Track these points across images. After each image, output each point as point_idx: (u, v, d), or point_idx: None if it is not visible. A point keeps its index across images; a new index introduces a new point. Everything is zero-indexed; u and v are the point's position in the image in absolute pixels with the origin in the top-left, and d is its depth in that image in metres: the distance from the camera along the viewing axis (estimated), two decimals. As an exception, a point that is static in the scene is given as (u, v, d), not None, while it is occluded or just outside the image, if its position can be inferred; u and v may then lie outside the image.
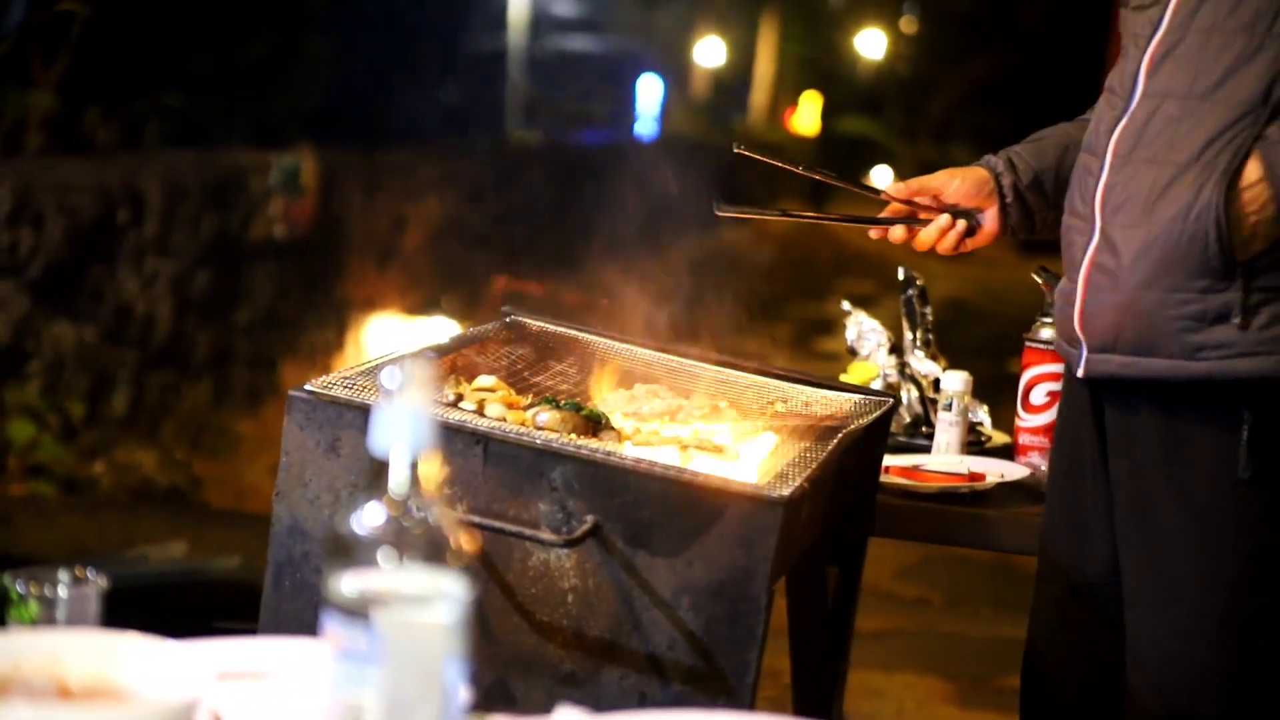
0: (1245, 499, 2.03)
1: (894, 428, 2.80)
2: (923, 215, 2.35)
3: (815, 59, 23.34)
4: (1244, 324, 1.99)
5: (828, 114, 23.62)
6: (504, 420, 1.93)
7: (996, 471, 2.58)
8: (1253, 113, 1.98)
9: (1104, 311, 2.08)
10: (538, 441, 1.81)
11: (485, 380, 2.09)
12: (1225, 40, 2.01)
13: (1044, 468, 2.57)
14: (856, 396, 2.33)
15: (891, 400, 2.36)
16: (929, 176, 2.37)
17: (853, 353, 3.04)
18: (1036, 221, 2.35)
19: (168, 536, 5.27)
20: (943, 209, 2.34)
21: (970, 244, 2.36)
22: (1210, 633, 2.06)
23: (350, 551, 1.17)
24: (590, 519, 1.77)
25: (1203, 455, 2.04)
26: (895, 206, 2.38)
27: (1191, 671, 2.08)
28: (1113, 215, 2.07)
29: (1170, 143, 2.03)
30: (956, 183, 2.34)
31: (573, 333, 2.43)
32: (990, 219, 2.34)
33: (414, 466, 1.19)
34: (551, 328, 2.44)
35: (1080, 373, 2.13)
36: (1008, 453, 2.75)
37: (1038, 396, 2.66)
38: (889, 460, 2.53)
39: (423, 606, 1.15)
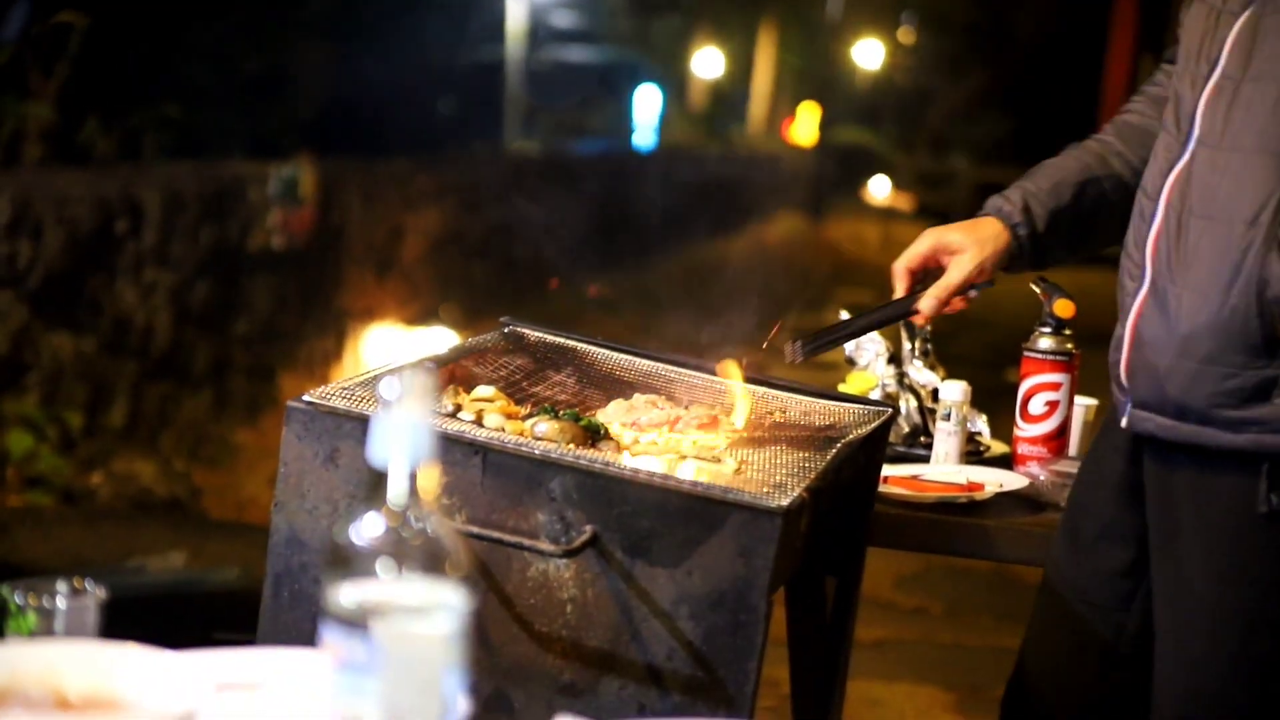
0: (1265, 532, 2.00)
1: (892, 437, 2.80)
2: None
3: (813, 70, 23.37)
4: None
5: (825, 124, 23.66)
6: (502, 430, 1.93)
7: (995, 481, 2.58)
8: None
9: (1148, 372, 2.03)
10: (536, 452, 1.81)
11: (484, 390, 2.09)
12: (1262, 90, 1.93)
13: (1043, 477, 2.57)
14: (855, 406, 2.33)
15: (890, 410, 2.36)
16: (939, 251, 2.23)
17: (851, 363, 3.04)
18: (1049, 262, 2.28)
19: (166, 547, 5.26)
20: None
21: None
22: (1225, 664, 2.04)
23: (349, 562, 1.17)
24: (589, 529, 1.77)
25: (1225, 489, 2.02)
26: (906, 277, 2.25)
27: (1210, 701, 2.06)
28: (1163, 268, 2.00)
29: (1218, 199, 1.95)
30: (978, 256, 2.21)
31: (571, 342, 2.43)
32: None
33: (412, 477, 1.19)
34: (550, 338, 2.43)
35: (1124, 423, 2.09)
36: (1006, 462, 2.75)
37: (1036, 406, 2.66)
38: (887, 470, 2.52)
39: (421, 617, 1.15)
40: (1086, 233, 2.27)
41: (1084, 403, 2.75)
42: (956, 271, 2.19)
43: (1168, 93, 2.18)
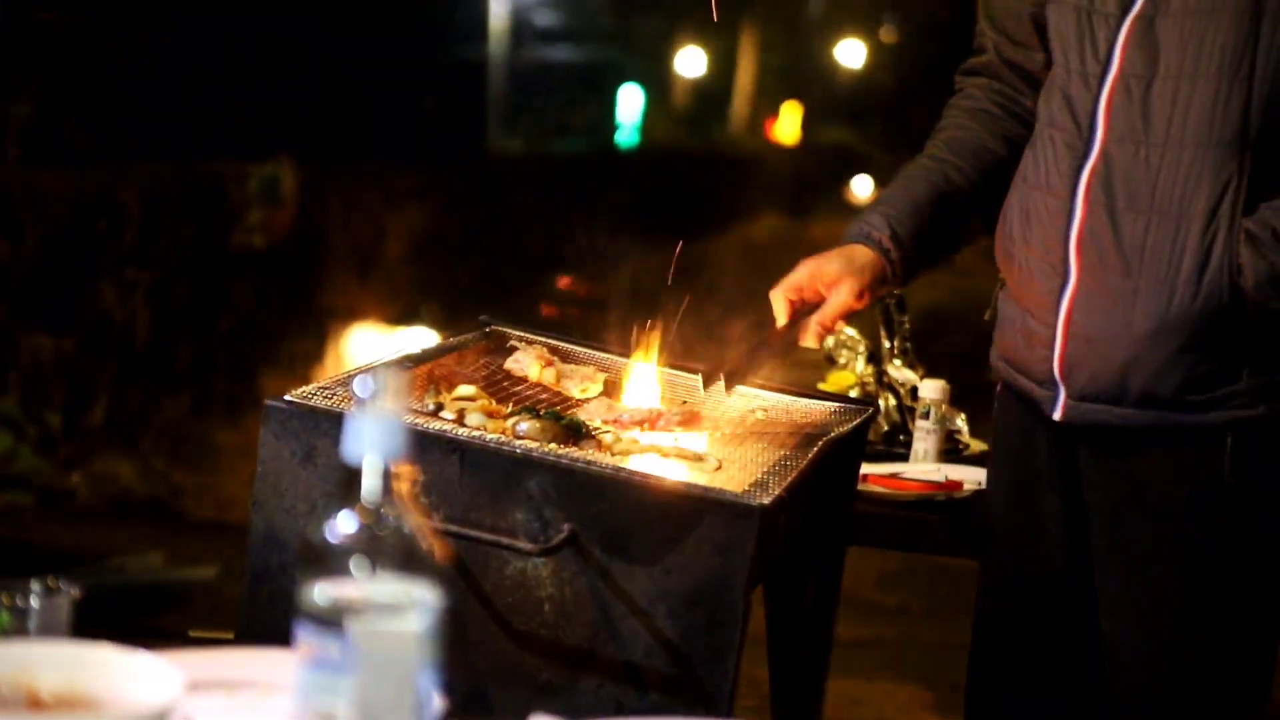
0: (1228, 503, 2.03)
1: (872, 436, 2.80)
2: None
3: (796, 69, 23.39)
4: (1253, 377, 1.98)
5: (808, 123, 23.67)
6: (483, 429, 1.92)
7: (974, 479, 2.59)
8: (1236, 159, 1.95)
9: (1099, 366, 2.03)
10: (515, 450, 1.81)
11: (465, 389, 2.08)
12: (1195, 87, 1.96)
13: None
14: (835, 405, 2.33)
15: (870, 409, 2.36)
16: (815, 280, 2.20)
17: (831, 361, 3.04)
18: (908, 280, 2.29)
19: (146, 547, 5.25)
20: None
21: None
22: (1191, 635, 2.07)
23: (323, 560, 1.17)
24: (567, 527, 1.77)
25: (1186, 469, 2.04)
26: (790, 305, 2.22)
27: (1170, 674, 2.09)
28: (1100, 266, 2.02)
29: (1159, 194, 1.98)
30: (858, 285, 2.19)
31: (553, 343, 2.43)
32: None
33: (387, 475, 1.18)
34: (531, 337, 2.43)
35: (1058, 416, 2.09)
36: (985, 461, 2.75)
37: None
38: (867, 468, 2.53)
39: (395, 615, 1.15)
40: (940, 249, 2.30)
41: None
42: (840, 300, 2.20)
43: (984, 104, 2.28)
